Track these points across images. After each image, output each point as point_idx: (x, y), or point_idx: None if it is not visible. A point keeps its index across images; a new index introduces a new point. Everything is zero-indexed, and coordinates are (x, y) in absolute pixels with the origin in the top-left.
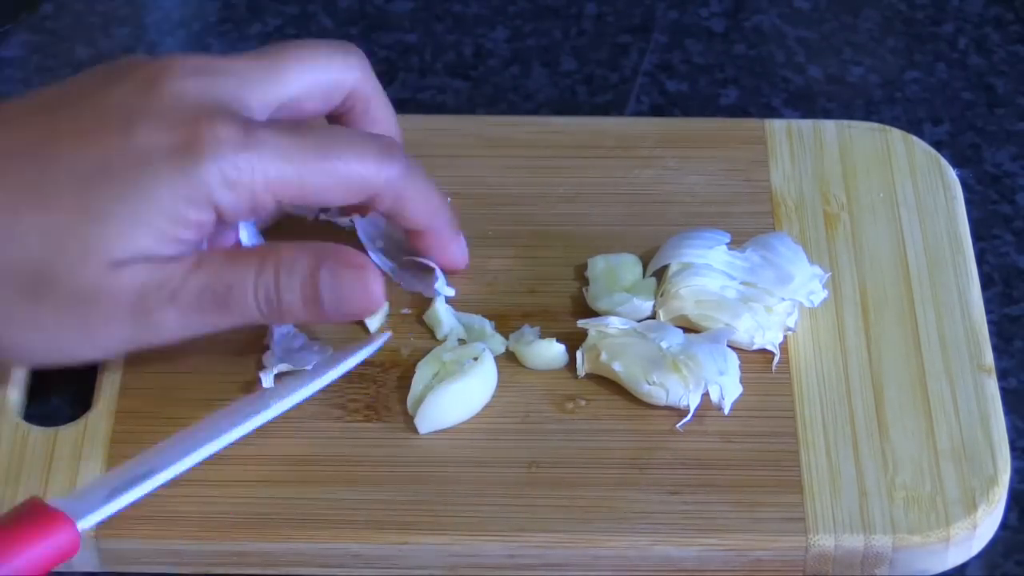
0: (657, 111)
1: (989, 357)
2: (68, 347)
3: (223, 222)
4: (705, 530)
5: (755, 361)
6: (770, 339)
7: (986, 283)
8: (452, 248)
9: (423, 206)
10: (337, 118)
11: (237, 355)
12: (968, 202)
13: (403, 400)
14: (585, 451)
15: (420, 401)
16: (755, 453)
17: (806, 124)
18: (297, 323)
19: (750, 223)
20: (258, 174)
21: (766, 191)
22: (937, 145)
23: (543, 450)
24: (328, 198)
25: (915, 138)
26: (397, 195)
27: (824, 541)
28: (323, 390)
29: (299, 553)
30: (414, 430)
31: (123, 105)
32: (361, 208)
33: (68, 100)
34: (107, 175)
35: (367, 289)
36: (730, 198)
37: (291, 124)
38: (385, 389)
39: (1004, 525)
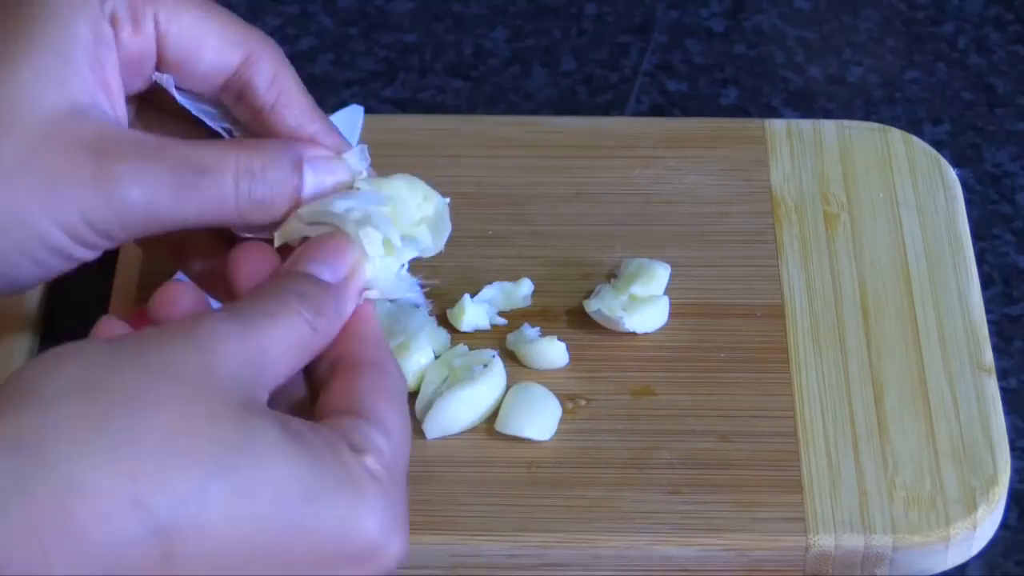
0: (657, 111)
1: (989, 357)
2: (25, 211)
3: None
4: (705, 530)
5: (754, 361)
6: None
7: (986, 283)
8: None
9: (304, 94)
10: (240, 89)
11: None
12: (968, 202)
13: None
14: (585, 451)
15: (429, 406)
16: (755, 453)
17: (806, 124)
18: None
19: (750, 223)
20: None
21: (766, 191)
22: (937, 145)
23: (543, 450)
24: (209, 40)
25: (915, 138)
26: (277, 68)
27: (824, 541)
28: None
29: None
30: (414, 430)
31: None
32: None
33: None
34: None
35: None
36: (730, 198)
37: None
38: None
39: (1004, 525)
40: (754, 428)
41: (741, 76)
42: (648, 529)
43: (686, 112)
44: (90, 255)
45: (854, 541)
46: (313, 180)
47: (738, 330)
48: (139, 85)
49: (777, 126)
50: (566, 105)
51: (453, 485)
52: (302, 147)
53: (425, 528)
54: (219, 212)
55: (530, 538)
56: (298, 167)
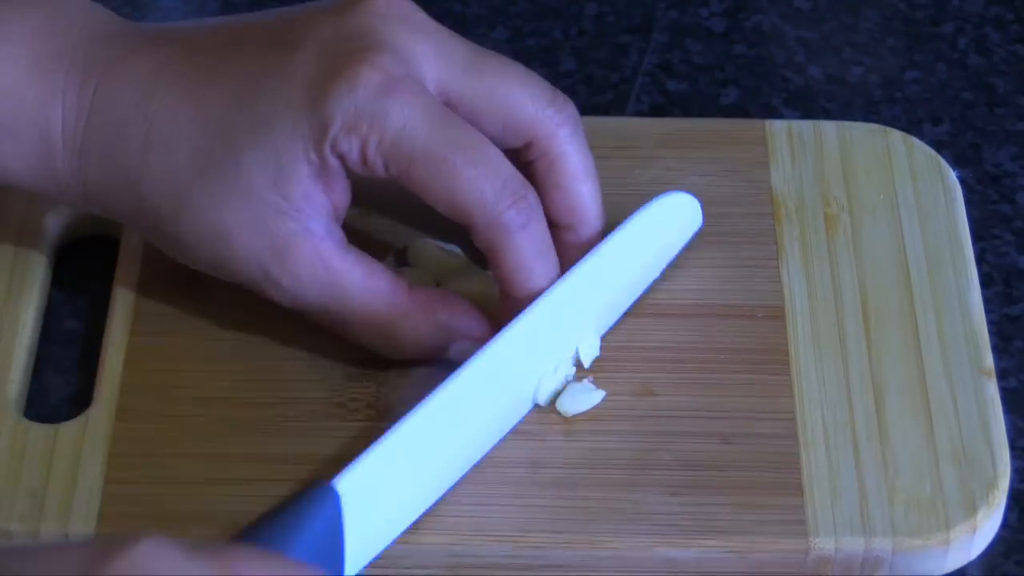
0: (657, 111)
1: (989, 360)
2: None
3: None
4: (705, 532)
5: (755, 362)
6: None
7: (986, 283)
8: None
9: (520, 270)
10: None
11: (237, 354)
12: (968, 202)
13: (403, 400)
14: (586, 452)
15: None
16: (755, 455)
17: (806, 125)
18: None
19: (750, 224)
20: (377, 131)
21: (766, 192)
22: (937, 145)
23: (543, 450)
24: (434, 197)
25: (915, 139)
26: (496, 244)
27: (824, 544)
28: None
29: None
30: None
31: (304, 26)
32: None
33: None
34: (254, 92)
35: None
36: (730, 198)
37: (438, 106)
38: (386, 388)
39: (1004, 526)
40: (754, 430)
41: (741, 76)
42: (648, 530)
43: (686, 112)
44: None
45: (854, 544)
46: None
47: (738, 331)
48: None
49: (777, 127)
50: None
51: (453, 485)
52: (456, 328)
53: (424, 528)
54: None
55: (530, 538)
56: (442, 343)
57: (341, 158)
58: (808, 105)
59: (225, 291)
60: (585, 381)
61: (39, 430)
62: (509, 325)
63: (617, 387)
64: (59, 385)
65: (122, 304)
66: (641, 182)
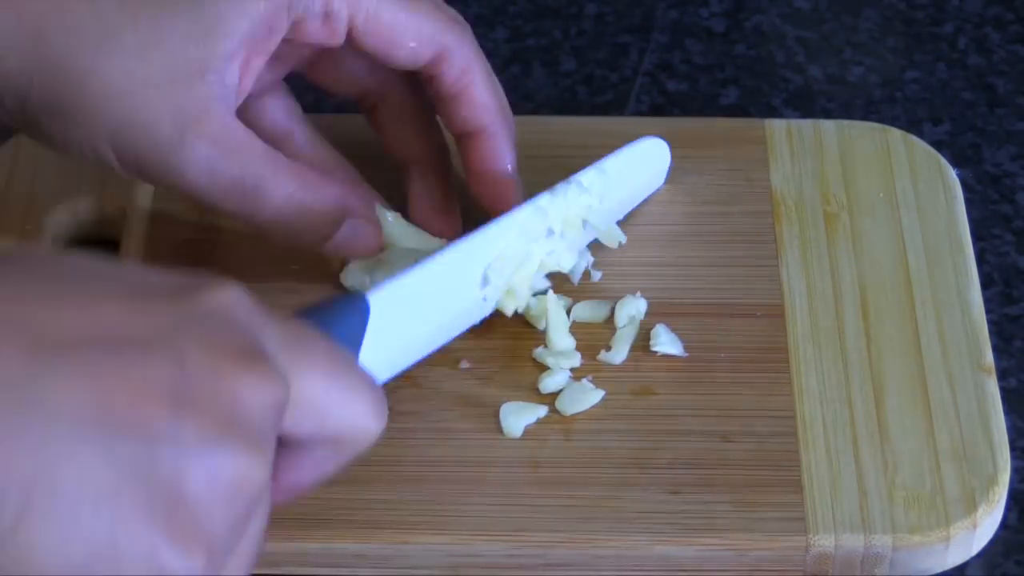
0: (657, 111)
1: (989, 357)
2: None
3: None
4: (705, 530)
5: (754, 361)
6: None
7: (986, 283)
8: (508, 157)
9: (489, 91)
10: (428, 77)
11: None
12: (968, 202)
13: (403, 400)
14: (585, 451)
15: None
16: (755, 453)
17: (806, 124)
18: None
19: (750, 223)
20: None
21: (766, 191)
22: (937, 145)
23: (543, 450)
24: (403, 33)
25: (915, 138)
26: (467, 62)
27: (824, 541)
28: None
29: (299, 553)
30: (414, 430)
31: None
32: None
33: None
34: None
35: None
36: (730, 198)
37: None
38: (385, 389)
39: (1004, 525)
40: (754, 428)
41: (741, 76)
42: (648, 529)
43: (686, 112)
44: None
45: (854, 541)
46: (344, 237)
47: (738, 330)
48: (297, 66)
49: (777, 126)
50: (566, 105)
51: (453, 485)
52: (351, 207)
53: (424, 528)
54: (243, 214)
55: (530, 538)
56: (336, 224)
57: (300, 17)
58: (808, 105)
59: None
60: (584, 381)
61: None
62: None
63: (617, 386)
64: None
65: None
66: None
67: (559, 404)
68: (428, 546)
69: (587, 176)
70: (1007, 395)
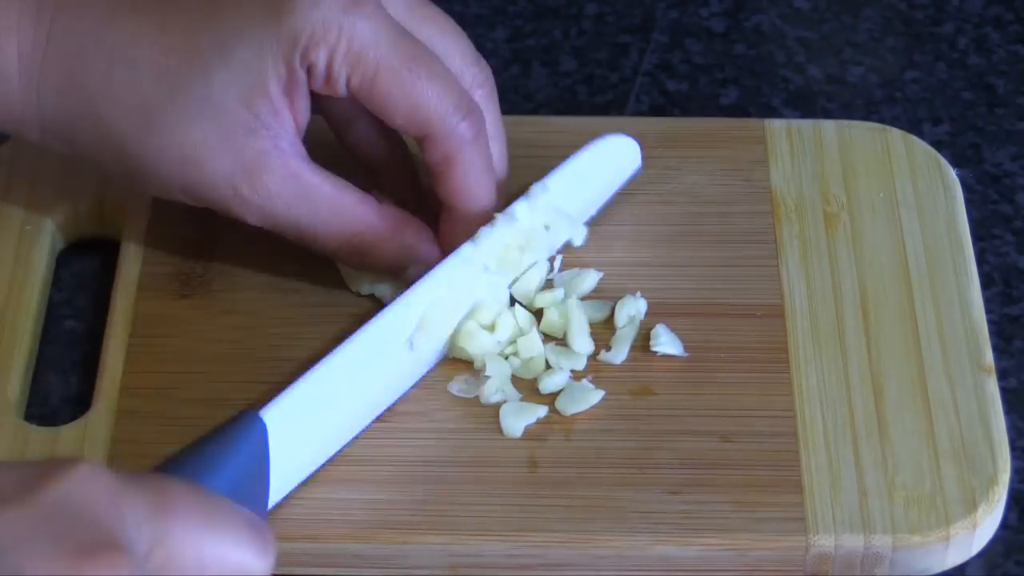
0: (657, 111)
1: (989, 357)
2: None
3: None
4: (705, 530)
5: (754, 361)
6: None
7: (986, 283)
8: (471, 235)
9: (471, 179)
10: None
11: (236, 355)
12: (968, 202)
13: (402, 400)
14: (585, 451)
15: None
16: (755, 453)
17: (806, 124)
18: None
19: (750, 223)
20: (344, 41)
21: (766, 191)
22: (937, 145)
23: (543, 450)
24: (393, 108)
25: (915, 138)
26: (451, 151)
27: (824, 541)
28: None
29: (299, 553)
30: (414, 430)
31: None
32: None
33: None
34: (217, 11)
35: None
36: (730, 198)
37: (397, 24)
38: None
39: (1004, 525)
40: (754, 428)
41: (741, 76)
42: (648, 529)
43: (686, 112)
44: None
45: (854, 541)
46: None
47: (738, 330)
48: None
49: (777, 126)
50: (566, 105)
51: (453, 485)
52: (419, 250)
53: (424, 528)
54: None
55: (530, 538)
56: (404, 263)
57: (308, 71)
58: (808, 105)
59: (225, 292)
60: (584, 381)
61: (39, 433)
62: (433, 270)
63: (617, 386)
64: (59, 386)
65: (122, 305)
66: (641, 182)
67: (559, 404)
68: (428, 546)
69: (520, 206)
70: (1007, 395)
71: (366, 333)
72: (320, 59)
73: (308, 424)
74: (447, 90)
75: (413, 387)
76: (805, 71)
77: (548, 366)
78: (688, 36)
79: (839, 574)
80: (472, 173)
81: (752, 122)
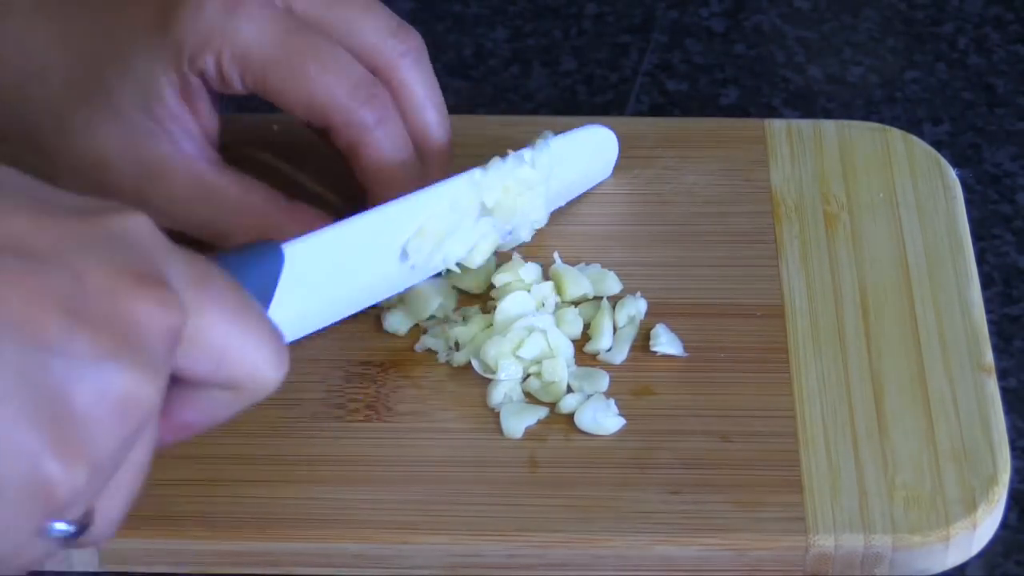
0: (657, 111)
1: (989, 357)
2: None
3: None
4: (705, 530)
5: (754, 361)
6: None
7: (986, 283)
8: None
9: (377, 163)
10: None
11: None
12: (968, 202)
13: (403, 400)
14: (585, 451)
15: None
16: (755, 453)
17: (806, 124)
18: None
19: (750, 223)
20: (228, 45)
21: (766, 191)
22: (937, 145)
23: (543, 450)
24: (292, 102)
25: (915, 138)
26: (355, 137)
27: (824, 541)
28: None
29: (299, 553)
30: (414, 430)
31: None
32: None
33: None
34: (114, 20)
35: None
36: (730, 198)
37: (285, 18)
38: (385, 389)
39: (1004, 525)
40: (754, 428)
41: (741, 76)
42: (648, 529)
43: (686, 112)
44: None
45: (854, 541)
46: None
47: (738, 330)
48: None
49: (777, 126)
50: (566, 105)
51: (453, 485)
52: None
53: (424, 528)
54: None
55: (530, 538)
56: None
57: (201, 75)
58: (808, 105)
59: None
60: (611, 403)
61: None
62: (440, 183)
63: (617, 387)
64: None
65: None
66: (641, 182)
67: (559, 404)
68: (428, 546)
69: (527, 152)
70: (1007, 395)
71: (363, 219)
72: (209, 64)
73: (319, 274)
74: (342, 79)
75: (413, 387)
76: (805, 71)
77: (570, 389)
78: (688, 36)
79: (839, 574)
80: (381, 158)
81: (752, 122)
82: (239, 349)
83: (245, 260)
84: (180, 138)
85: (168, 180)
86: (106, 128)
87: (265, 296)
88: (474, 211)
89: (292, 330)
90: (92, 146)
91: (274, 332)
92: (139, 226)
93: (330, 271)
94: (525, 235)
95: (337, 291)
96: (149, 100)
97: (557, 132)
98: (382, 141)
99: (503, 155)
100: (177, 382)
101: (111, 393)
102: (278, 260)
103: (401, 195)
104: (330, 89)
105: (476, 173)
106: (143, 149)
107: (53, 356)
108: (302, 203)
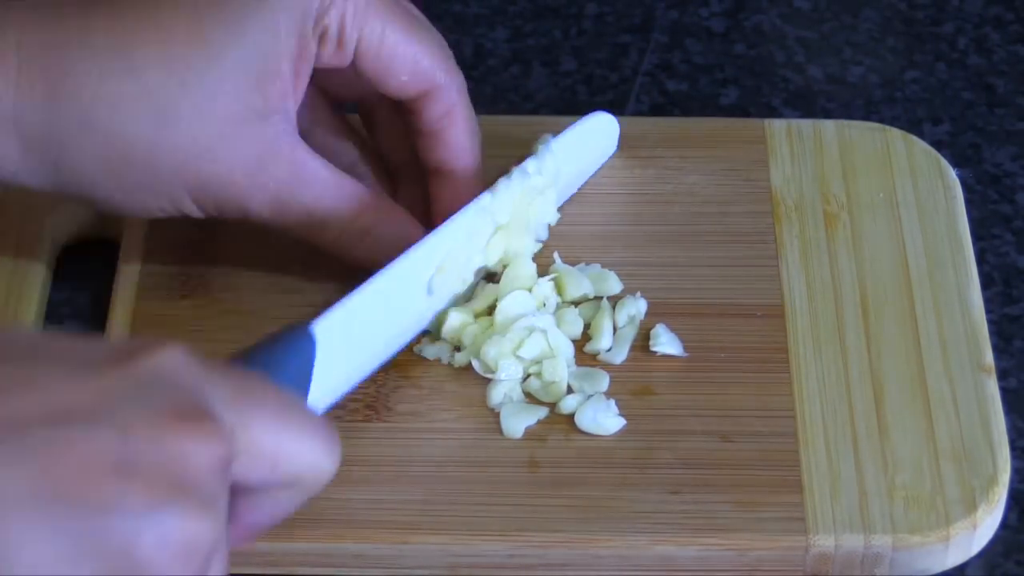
0: (657, 111)
1: (989, 357)
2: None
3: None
4: (705, 530)
5: (754, 361)
6: None
7: (986, 283)
8: (472, 199)
9: (467, 136)
10: (411, 109)
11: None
12: (968, 202)
13: (403, 400)
14: (585, 451)
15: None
16: (755, 453)
17: (806, 124)
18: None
19: (750, 223)
20: (352, 2)
21: (766, 191)
22: (937, 145)
23: (543, 450)
24: (400, 65)
25: (915, 138)
26: (451, 105)
27: (824, 541)
28: None
29: (299, 553)
30: (414, 430)
31: None
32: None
33: None
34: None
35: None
36: (730, 198)
37: None
38: (385, 389)
39: (1004, 525)
40: (754, 428)
41: (741, 76)
42: (648, 529)
43: (686, 112)
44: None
45: (854, 541)
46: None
47: (738, 330)
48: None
49: (777, 126)
50: (566, 105)
51: (453, 485)
52: (412, 233)
53: (424, 528)
54: (310, 240)
55: (530, 538)
56: (399, 246)
57: (320, 39)
58: (808, 105)
59: (225, 292)
60: (612, 403)
61: None
62: (460, 211)
63: (617, 387)
64: None
65: (122, 305)
66: (641, 182)
67: (559, 404)
68: (428, 546)
69: (531, 162)
70: (1007, 395)
71: (390, 271)
72: (333, 21)
73: (351, 340)
74: (441, 42)
75: (413, 387)
76: (805, 71)
77: (570, 389)
78: (688, 36)
79: (839, 574)
80: (469, 128)
81: (752, 122)
82: (290, 450)
83: (278, 351)
84: (286, 119)
85: (277, 164)
86: (215, 112)
87: (303, 381)
88: (489, 233)
89: (337, 391)
90: (199, 135)
91: (320, 424)
92: (171, 360)
93: (362, 333)
94: (543, 234)
95: (372, 346)
96: (265, 73)
97: (556, 132)
98: (470, 111)
99: (507, 174)
100: (239, 490)
101: (172, 538)
102: (310, 344)
103: (476, 181)
104: (435, 51)
105: (486, 198)
106: (254, 131)
107: (112, 515)
108: (381, 192)
